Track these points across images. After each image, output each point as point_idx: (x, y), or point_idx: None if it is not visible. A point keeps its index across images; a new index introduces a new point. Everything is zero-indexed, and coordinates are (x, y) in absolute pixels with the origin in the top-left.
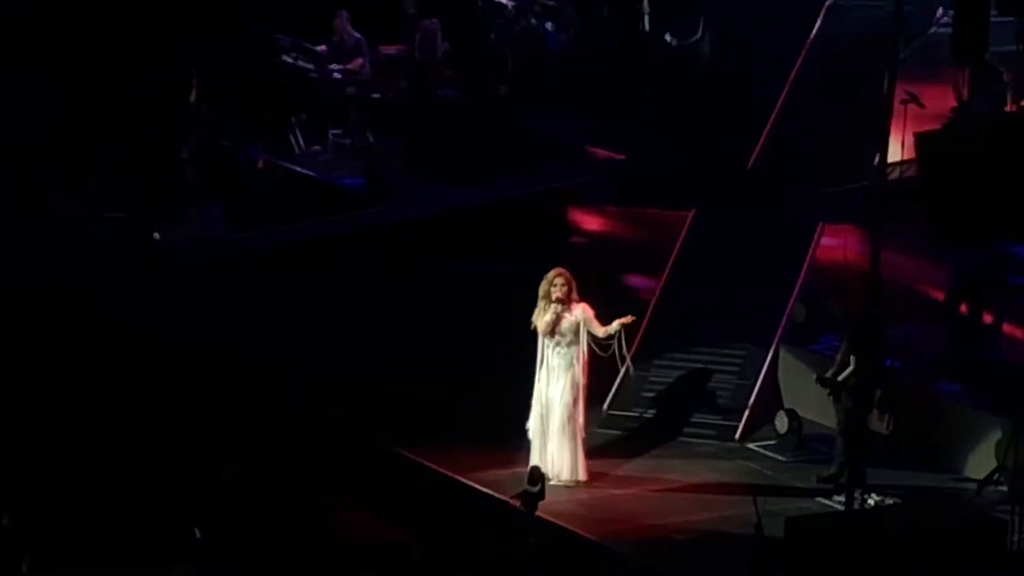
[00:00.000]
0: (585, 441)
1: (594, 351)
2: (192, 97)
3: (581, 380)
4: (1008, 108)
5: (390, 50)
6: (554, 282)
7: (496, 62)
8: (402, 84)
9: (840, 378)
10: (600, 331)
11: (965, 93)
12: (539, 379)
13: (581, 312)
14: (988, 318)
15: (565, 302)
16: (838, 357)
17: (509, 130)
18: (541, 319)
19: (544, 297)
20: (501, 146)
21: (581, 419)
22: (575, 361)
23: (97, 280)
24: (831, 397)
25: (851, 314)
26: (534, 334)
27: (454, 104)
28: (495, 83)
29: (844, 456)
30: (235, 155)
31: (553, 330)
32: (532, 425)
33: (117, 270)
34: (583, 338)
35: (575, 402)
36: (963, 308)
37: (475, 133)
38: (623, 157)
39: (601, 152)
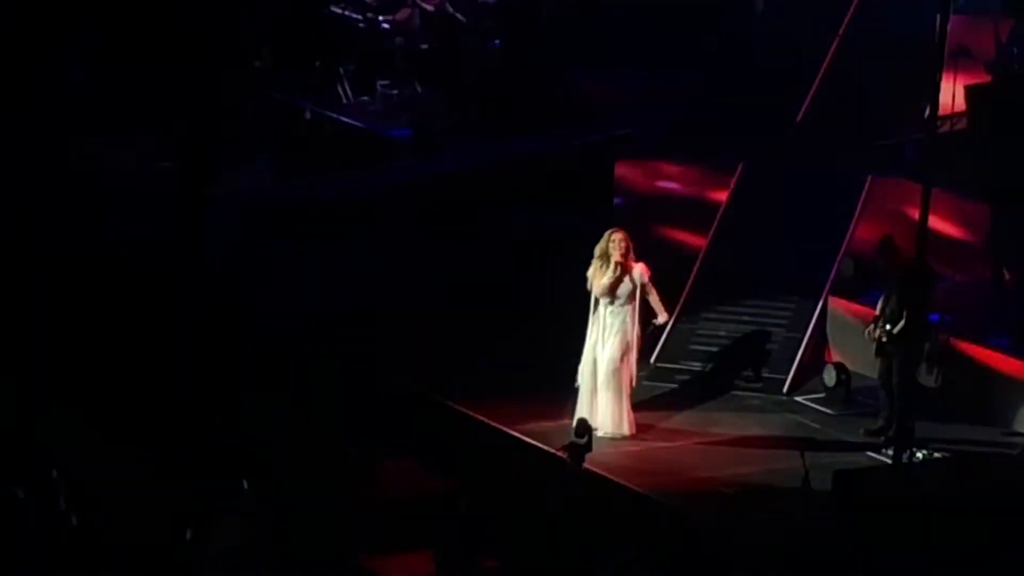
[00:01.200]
0: (631, 396)
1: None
2: (261, 56)
3: (633, 338)
4: None
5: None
6: (612, 240)
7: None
8: (446, 34)
9: (895, 330)
10: (654, 298)
11: (1004, 40)
12: (591, 335)
13: (639, 275)
14: None
15: (623, 263)
16: (885, 308)
17: (557, 82)
18: (598, 279)
19: (601, 256)
20: (549, 98)
21: (627, 375)
22: (628, 320)
23: (150, 232)
24: (875, 350)
25: (897, 267)
26: (588, 289)
27: (500, 55)
28: (535, 33)
29: (889, 409)
30: (285, 106)
31: (611, 291)
32: (581, 379)
33: (168, 221)
34: (638, 297)
35: (622, 358)
36: (1013, 261)
37: (522, 85)
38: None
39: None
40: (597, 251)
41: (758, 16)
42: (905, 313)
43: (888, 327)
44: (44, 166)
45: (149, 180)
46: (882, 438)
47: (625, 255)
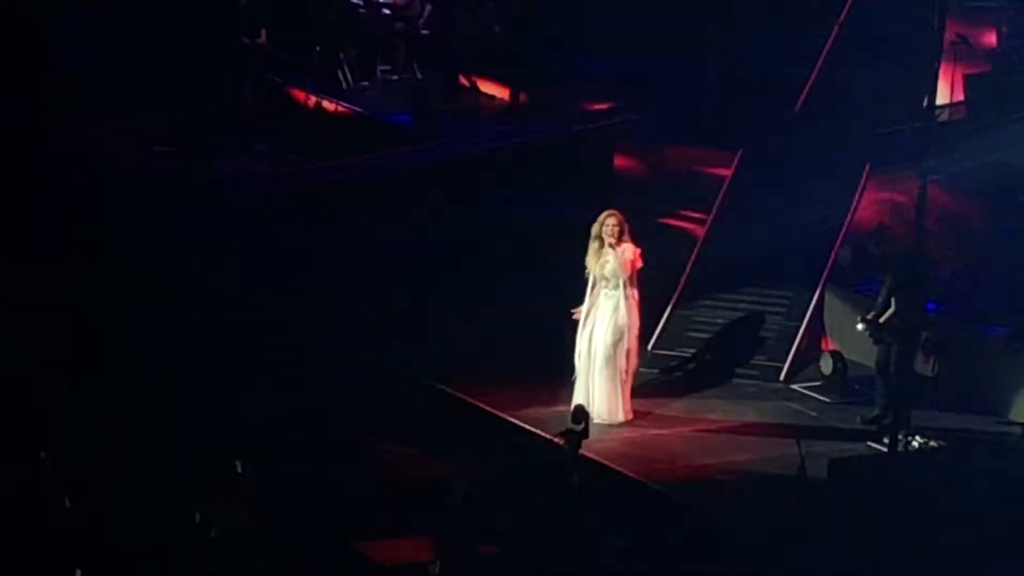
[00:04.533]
0: (628, 383)
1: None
2: (262, 37)
3: (627, 322)
4: None
5: None
6: (606, 223)
7: None
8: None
9: (882, 320)
10: (631, 290)
11: (1004, 29)
12: (586, 320)
13: (622, 254)
14: None
15: (615, 245)
16: (879, 299)
17: (557, 66)
18: (591, 262)
19: (596, 238)
20: (548, 83)
21: (624, 361)
22: (621, 302)
23: (143, 213)
24: (872, 339)
25: (892, 255)
26: (587, 274)
27: (498, 38)
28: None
29: (886, 397)
30: (284, 90)
31: (603, 275)
32: (577, 364)
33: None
34: (631, 279)
35: (616, 344)
36: (1010, 251)
37: (521, 69)
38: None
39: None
40: (592, 234)
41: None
42: (893, 302)
43: (871, 314)
44: (42, 151)
45: (146, 163)
46: (876, 427)
47: (618, 238)
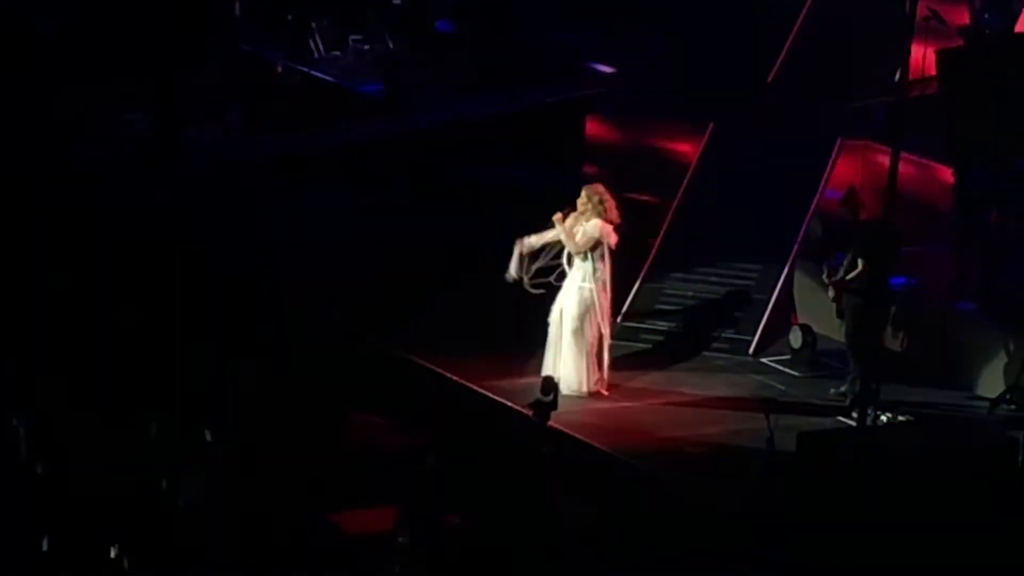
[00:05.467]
0: (595, 355)
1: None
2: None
3: (594, 296)
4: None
5: None
6: (582, 196)
7: None
8: None
9: (848, 277)
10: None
11: (978, 5)
12: (561, 288)
13: (593, 231)
14: (1005, 236)
15: (584, 216)
16: (845, 263)
17: (528, 39)
18: (565, 228)
19: (583, 208)
20: (520, 55)
21: (590, 333)
22: (589, 276)
23: (112, 180)
24: (834, 304)
25: (859, 221)
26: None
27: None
28: None
29: (856, 371)
30: (256, 59)
31: (572, 245)
32: (550, 332)
33: (132, 171)
34: (602, 253)
35: (582, 316)
36: (980, 226)
37: (493, 41)
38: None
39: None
40: (583, 201)
41: None
42: (860, 263)
43: (840, 273)
44: (13, 119)
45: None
46: (848, 400)
47: (590, 208)
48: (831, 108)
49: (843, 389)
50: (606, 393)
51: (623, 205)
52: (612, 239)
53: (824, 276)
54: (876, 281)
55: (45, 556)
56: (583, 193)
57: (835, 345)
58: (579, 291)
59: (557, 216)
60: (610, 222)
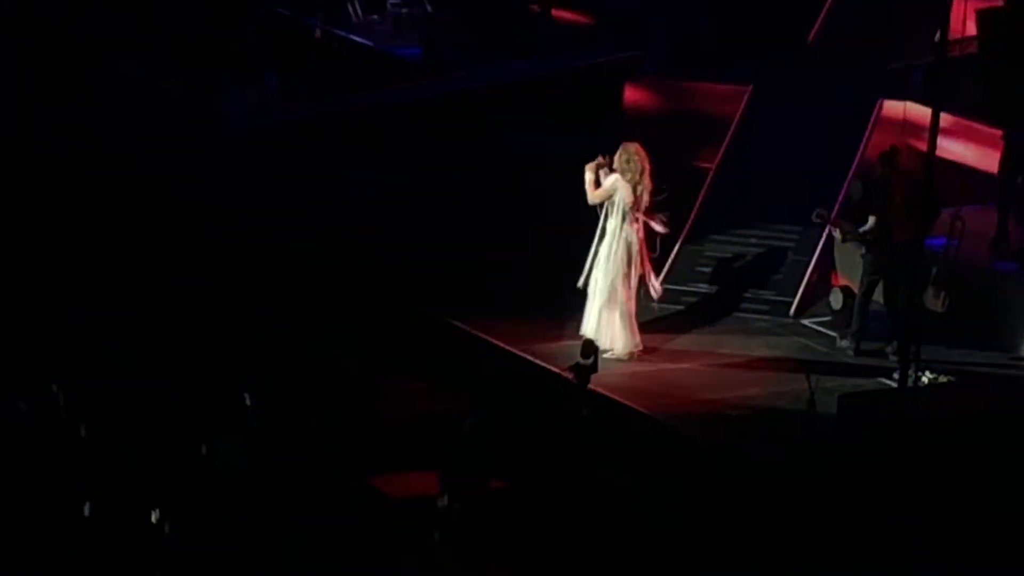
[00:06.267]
0: (631, 315)
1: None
2: None
3: (624, 256)
4: None
5: None
6: (634, 157)
7: None
8: None
9: (862, 230)
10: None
11: None
12: (594, 246)
13: (607, 182)
14: None
15: (614, 170)
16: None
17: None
18: (605, 186)
19: (624, 168)
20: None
21: (623, 294)
22: (619, 235)
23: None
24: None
25: (894, 177)
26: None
27: None
28: None
29: (858, 323)
30: (293, 23)
31: (603, 201)
32: (590, 292)
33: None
34: (624, 212)
35: (617, 276)
36: (1021, 186)
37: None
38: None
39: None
40: (620, 161)
41: None
42: (871, 220)
43: (857, 227)
44: (55, 84)
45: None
46: (851, 352)
47: (616, 165)
48: (871, 69)
49: (843, 343)
50: (643, 355)
51: (663, 168)
52: (628, 199)
53: (815, 216)
54: (917, 241)
55: (87, 521)
56: (636, 155)
57: (874, 306)
58: (610, 248)
59: (590, 164)
60: (633, 183)
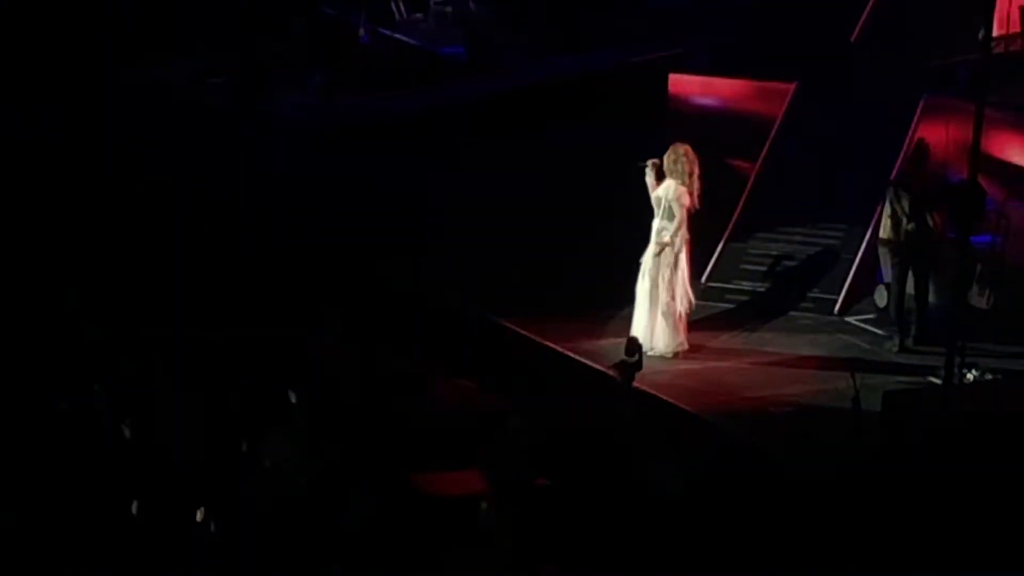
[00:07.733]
0: (681, 314)
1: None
2: None
3: (672, 255)
4: None
5: None
6: (683, 158)
7: None
8: None
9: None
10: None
11: None
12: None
13: (664, 189)
14: None
15: (663, 174)
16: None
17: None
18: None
19: (671, 168)
20: (603, 14)
21: (667, 294)
22: (666, 235)
23: (198, 148)
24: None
25: (920, 175)
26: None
27: None
28: None
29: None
30: (338, 23)
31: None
32: (637, 291)
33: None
34: (672, 213)
35: (662, 276)
36: None
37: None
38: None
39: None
40: (671, 161)
41: None
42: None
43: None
44: (100, 88)
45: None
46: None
47: (666, 166)
48: (915, 66)
49: (889, 345)
50: (688, 354)
51: (707, 165)
52: (684, 199)
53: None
54: (963, 239)
55: (134, 519)
56: (669, 151)
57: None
58: (659, 249)
59: (649, 163)
60: (683, 184)
